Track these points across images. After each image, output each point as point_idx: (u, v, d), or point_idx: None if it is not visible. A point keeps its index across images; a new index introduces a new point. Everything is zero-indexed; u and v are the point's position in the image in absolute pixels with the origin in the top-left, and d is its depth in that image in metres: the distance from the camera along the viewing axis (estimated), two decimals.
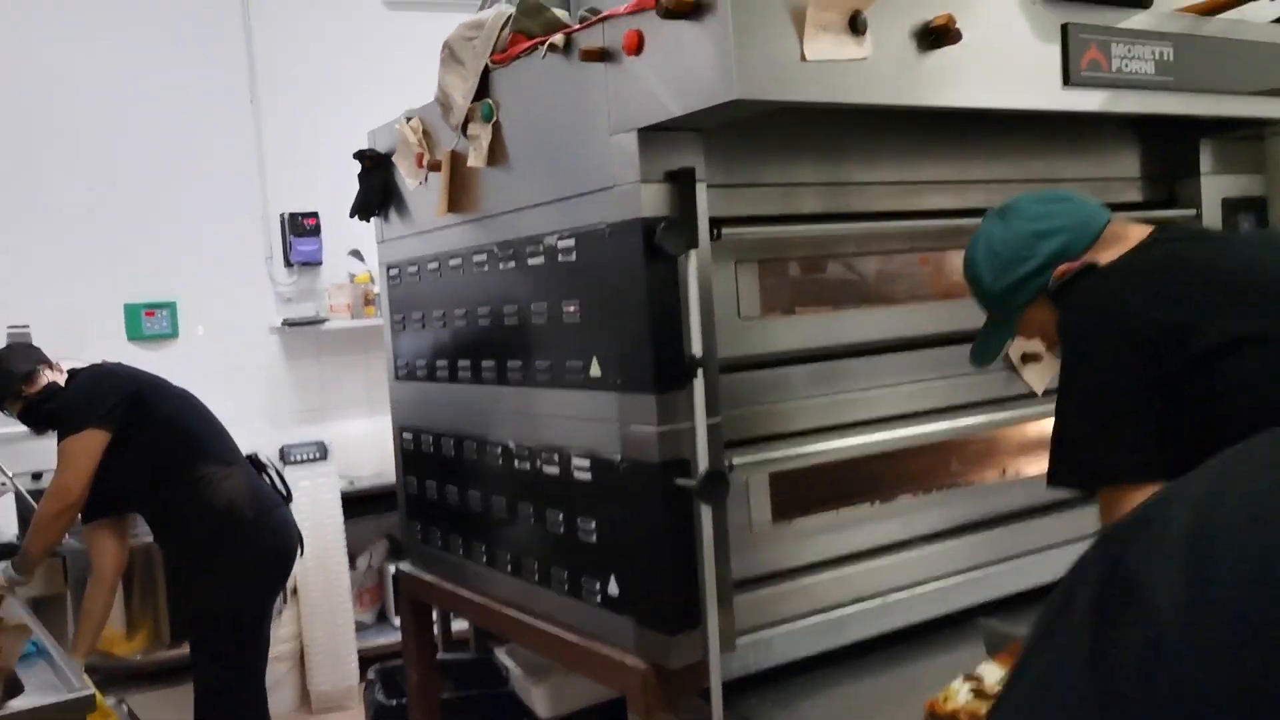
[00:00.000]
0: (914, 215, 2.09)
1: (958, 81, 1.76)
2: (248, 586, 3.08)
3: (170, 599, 3.17)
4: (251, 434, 4.69)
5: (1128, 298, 1.48)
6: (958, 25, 1.68)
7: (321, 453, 4.90)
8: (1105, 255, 1.58)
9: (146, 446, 3.08)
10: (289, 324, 4.87)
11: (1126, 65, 1.96)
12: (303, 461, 4.93)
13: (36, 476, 3.66)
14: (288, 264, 5.00)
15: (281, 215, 4.93)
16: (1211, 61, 2.07)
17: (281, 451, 4.92)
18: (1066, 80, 1.88)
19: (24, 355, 3.25)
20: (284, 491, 3.40)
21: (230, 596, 3.06)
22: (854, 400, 2.06)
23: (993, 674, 1.78)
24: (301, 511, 4.70)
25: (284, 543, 3.17)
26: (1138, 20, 1.99)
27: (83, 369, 3.23)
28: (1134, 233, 1.62)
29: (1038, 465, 2.27)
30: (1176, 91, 2.04)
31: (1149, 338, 1.42)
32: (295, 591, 4.58)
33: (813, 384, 2.03)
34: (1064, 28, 1.88)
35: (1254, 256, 1.55)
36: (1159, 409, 1.41)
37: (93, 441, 3.00)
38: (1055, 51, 1.88)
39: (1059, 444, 1.51)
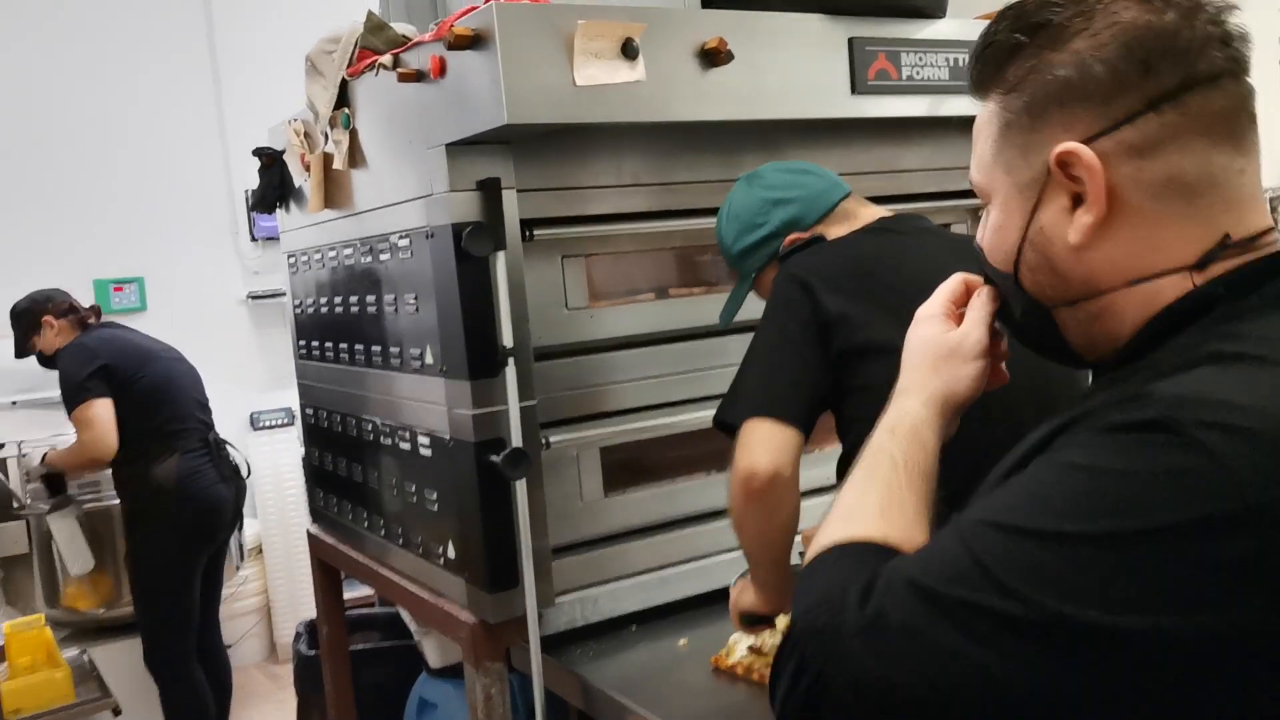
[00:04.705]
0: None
1: (740, 96, 1.93)
2: (167, 557, 3.48)
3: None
4: (221, 401, 4.95)
5: (825, 276, 1.56)
6: (729, 47, 1.86)
7: (289, 418, 5.16)
8: (835, 230, 1.68)
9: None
10: (253, 297, 5.11)
11: (918, 73, 2.12)
12: (271, 427, 5.21)
13: None
14: (253, 239, 5.24)
15: (246, 191, 5.14)
16: None
17: (251, 418, 5.19)
18: (854, 89, 2.05)
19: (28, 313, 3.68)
20: (237, 467, 3.74)
21: (152, 563, 3.48)
22: (677, 381, 2.25)
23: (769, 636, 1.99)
24: (265, 474, 4.97)
25: (206, 518, 3.54)
26: (933, 30, 2.15)
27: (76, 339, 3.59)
28: (865, 213, 1.72)
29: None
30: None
31: (826, 320, 1.52)
32: (260, 550, 4.87)
33: (639, 366, 2.22)
34: (850, 41, 2.04)
35: (939, 263, 1.54)
36: (823, 380, 1.53)
37: (102, 408, 3.41)
38: (844, 63, 2.05)
39: (729, 390, 1.61)
